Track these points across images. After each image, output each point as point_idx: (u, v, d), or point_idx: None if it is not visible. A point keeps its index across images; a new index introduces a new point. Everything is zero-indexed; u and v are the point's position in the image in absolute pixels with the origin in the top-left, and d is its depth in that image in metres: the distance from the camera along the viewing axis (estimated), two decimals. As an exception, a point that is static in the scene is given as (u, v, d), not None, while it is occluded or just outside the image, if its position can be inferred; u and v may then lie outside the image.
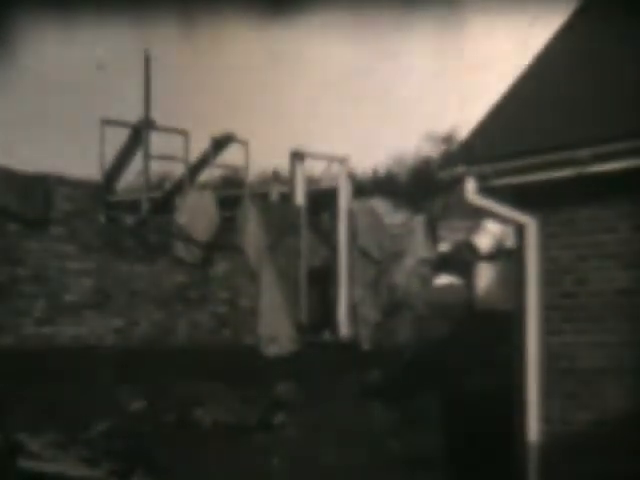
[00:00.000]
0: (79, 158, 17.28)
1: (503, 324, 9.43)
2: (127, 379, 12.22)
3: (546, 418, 7.56)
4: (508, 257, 17.25)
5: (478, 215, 17.23)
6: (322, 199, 17.97)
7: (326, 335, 17.37)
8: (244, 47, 47.65)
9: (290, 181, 17.79)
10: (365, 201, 18.83)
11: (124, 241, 14.36)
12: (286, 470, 10.58)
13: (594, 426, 7.25)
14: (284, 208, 17.29)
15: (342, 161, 18.12)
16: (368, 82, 49.56)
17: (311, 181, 18.94)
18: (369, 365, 14.49)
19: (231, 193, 17.96)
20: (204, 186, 17.47)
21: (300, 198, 17.30)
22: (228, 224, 15.91)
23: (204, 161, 17.18)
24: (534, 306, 7.63)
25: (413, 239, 18.73)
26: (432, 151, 35.33)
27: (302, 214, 17.17)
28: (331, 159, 18.49)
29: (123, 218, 15.60)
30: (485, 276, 18.84)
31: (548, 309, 7.60)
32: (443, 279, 19.26)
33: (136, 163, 16.56)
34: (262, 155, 19.21)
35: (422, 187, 27.05)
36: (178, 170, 17.41)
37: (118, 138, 16.15)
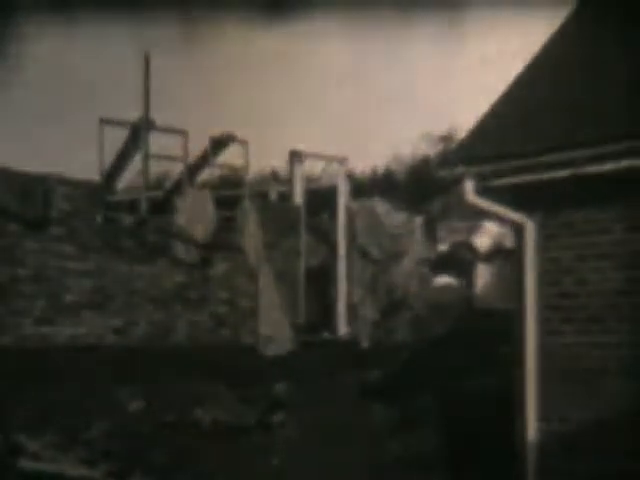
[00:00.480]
0: (79, 158, 17.30)
1: (502, 324, 9.44)
2: (126, 379, 12.20)
3: (545, 417, 7.58)
4: (507, 257, 17.26)
5: (477, 216, 17.26)
6: (321, 199, 17.97)
7: (325, 335, 17.38)
8: (244, 47, 47.67)
9: (289, 181, 17.81)
10: (364, 201, 18.85)
11: (123, 241, 14.37)
12: (285, 470, 10.58)
13: (593, 426, 7.26)
14: (283, 208, 17.30)
15: (341, 161, 18.14)
16: (368, 82, 49.61)
17: (310, 181, 18.96)
18: (368, 365, 14.48)
19: (230, 193, 17.94)
20: (203, 186, 17.48)
21: (299, 198, 17.32)
22: (227, 224, 15.91)
23: (203, 161, 17.17)
24: (533, 306, 7.65)
25: (412, 239, 18.76)
26: (430, 151, 35.38)
27: (301, 214, 17.18)
28: (330, 159, 18.51)
29: (122, 218, 15.59)
30: (484, 276, 18.87)
31: (547, 309, 7.61)
32: (442, 279, 19.29)
33: (135, 163, 16.57)
34: (261, 155, 19.23)
35: (421, 187, 27.07)
36: (177, 170, 17.39)
37: (117, 138, 16.18)
